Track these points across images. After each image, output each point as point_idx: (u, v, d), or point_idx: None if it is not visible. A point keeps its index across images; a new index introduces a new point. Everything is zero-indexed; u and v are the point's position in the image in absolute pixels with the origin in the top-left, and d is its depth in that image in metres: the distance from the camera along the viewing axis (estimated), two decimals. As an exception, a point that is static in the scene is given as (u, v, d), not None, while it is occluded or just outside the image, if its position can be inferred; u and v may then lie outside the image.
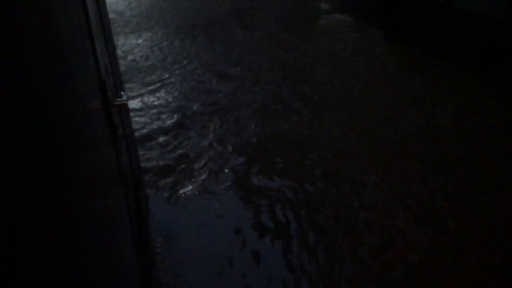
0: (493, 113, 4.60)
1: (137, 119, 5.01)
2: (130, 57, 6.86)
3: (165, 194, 3.81)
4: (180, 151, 4.41)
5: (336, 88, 5.52)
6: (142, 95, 5.65)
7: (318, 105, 5.15)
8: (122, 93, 1.79)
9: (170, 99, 5.49)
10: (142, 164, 4.11)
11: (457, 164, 3.88)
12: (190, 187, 3.88)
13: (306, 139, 4.46)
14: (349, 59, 6.33)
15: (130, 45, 7.35)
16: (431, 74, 5.62)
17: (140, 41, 7.53)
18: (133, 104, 5.34)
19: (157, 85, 5.87)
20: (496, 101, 4.81)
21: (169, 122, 4.95)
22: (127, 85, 5.66)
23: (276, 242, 3.22)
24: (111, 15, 6.37)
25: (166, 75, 6.12)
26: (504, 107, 4.69)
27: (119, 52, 6.49)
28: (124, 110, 2.54)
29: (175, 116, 5.06)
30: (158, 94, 5.64)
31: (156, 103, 5.43)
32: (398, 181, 3.73)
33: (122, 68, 5.44)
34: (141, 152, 4.35)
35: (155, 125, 4.92)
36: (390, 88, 5.41)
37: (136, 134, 4.56)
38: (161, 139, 4.65)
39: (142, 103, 5.43)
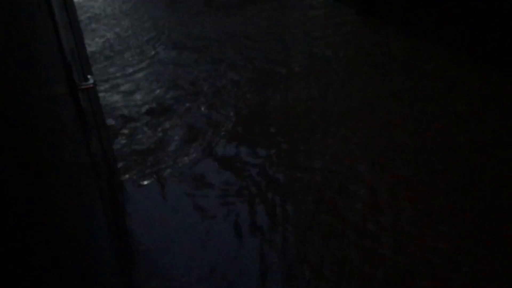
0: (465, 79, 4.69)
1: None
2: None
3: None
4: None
5: (306, 64, 5.51)
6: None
7: (289, 79, 5.15)
8: (89, 76, 1.71)
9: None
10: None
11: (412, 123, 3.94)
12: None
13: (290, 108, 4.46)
14: (322, 35, 6.30)
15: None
16: (402, 47, 5.65)
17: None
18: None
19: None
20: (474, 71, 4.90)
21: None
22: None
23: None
24: None
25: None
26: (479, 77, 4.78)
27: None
28: (93, 94, 2.44)
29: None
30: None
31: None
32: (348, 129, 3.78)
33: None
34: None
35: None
36: (363, 60, 5.44)
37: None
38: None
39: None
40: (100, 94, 5.03)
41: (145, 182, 3.73)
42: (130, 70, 5.71)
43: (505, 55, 4.82)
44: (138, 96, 5.06)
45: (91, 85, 1.61)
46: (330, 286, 2.63)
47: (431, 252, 2.82)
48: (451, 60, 5.27)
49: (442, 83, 4.80)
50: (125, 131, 4.45)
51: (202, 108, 4.73)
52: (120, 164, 3.93)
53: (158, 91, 5.14)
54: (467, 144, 3.81)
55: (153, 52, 6.17)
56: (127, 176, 3.81)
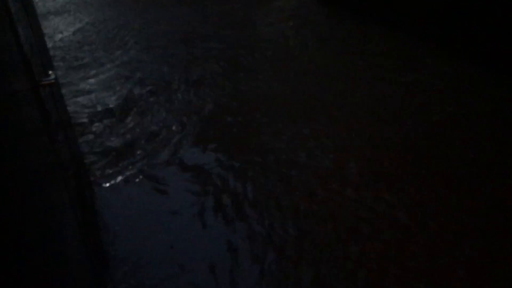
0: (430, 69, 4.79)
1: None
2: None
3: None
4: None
5: (266, 51, 5.51)
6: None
7: (253, 69, 5.15)
8: (51, 72, 1.63)
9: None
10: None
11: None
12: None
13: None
14: (281, 23, 6.31)
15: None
16: (360, 34, 5.72)
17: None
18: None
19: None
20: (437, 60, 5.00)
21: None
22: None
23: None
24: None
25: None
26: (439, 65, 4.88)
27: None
28: (57, 91, 2.35)
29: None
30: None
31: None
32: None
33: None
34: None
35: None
36: (320, 47, 5.49)
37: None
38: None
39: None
40: (66, 95, 4.88)
41: (117, 179, 3.64)
42: (96, 68, 5.55)
43: (461, 39, 4.93)
44: (106, 93, 4.93)
45: (53, 81, 1.53)
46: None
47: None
48: (409, 43, 5.36)
49: (415, 71, 4.88)
50: (94, 129, 4.33)
51: (173, 101, 4.65)
52: (89, 162, 3.82)
53: (125, 87, 5.03)
54: (444, 120, 3.91)
55: (116, 49, 6.02)
56: (97, 173, 3.72)
